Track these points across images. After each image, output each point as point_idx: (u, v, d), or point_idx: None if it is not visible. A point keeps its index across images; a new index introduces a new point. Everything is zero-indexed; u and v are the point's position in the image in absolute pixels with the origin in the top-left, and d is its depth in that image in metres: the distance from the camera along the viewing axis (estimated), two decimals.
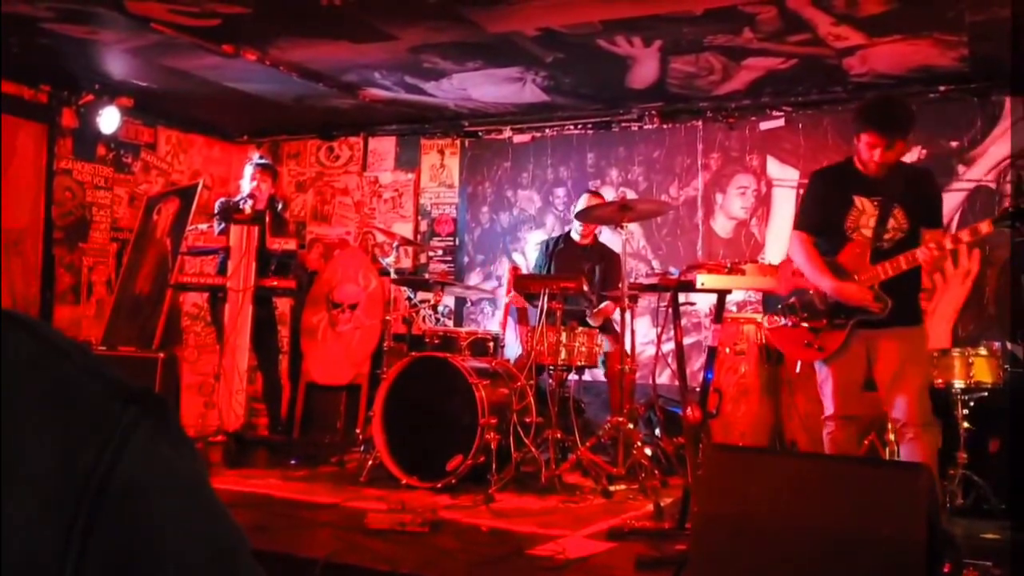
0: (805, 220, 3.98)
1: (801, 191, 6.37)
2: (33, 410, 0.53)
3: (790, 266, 4.00)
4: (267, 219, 5.84)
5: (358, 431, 5.84)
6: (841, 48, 5.40)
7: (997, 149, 5.80)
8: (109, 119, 6.78)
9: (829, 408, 3.85)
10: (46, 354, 0.56)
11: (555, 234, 6.66)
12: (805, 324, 3.86)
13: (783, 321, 3.97)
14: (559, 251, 6.04)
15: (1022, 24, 4.68)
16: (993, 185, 5.80)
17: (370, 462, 4.98)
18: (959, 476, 4.55)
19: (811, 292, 3.86)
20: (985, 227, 3.58)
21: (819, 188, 3.99)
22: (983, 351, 4.69)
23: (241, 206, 5.83)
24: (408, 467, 4.82)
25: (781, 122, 6.51)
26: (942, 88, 5.86)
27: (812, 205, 3.98)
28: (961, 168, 5.88)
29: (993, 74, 5.60)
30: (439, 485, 4.68)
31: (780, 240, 6.41)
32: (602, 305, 5.58)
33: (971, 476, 4.55)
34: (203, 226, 6.38)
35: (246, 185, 6.02)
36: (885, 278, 3.67)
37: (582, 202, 5.92)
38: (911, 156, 5.55)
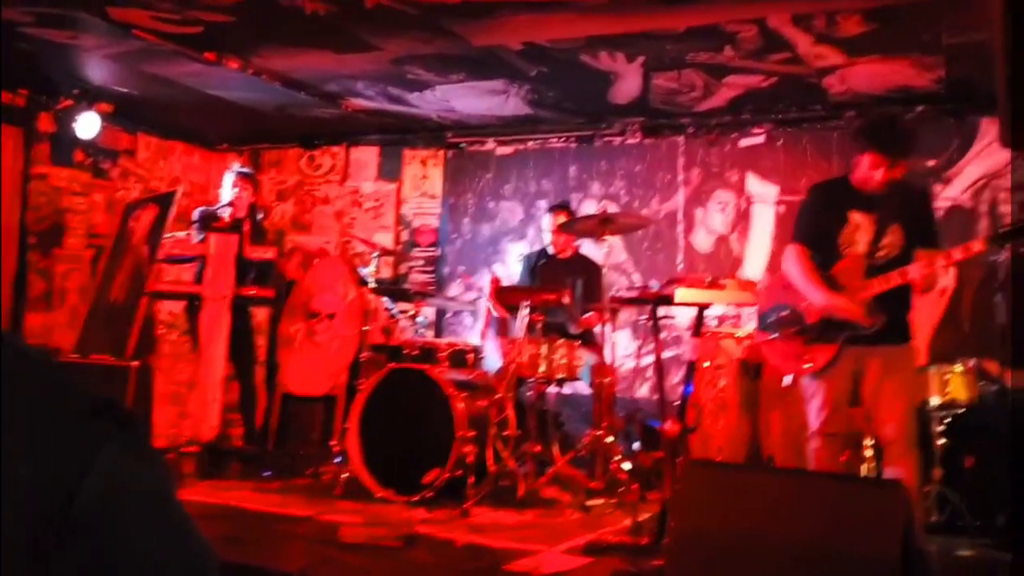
0: (802, 233, 3.98)
1: (781, 208, 6.42)
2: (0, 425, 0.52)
3: (782, 280, 4.00)
4: (246, 228, 5.80)
5: (334, 443, 5.78)
6: (821, 67, 5.45)
7: (973, 169, 5.87)
8: (87, 124, 6.72)
9: (815, 424, 3.83)
10: (13, 367, 0.55)
11: (536, 248, 6.66)
12: (796, 338, 3.85)
13: (774, 335, 3.96)
14: (542, 265, 6.03)
15: (997, 47, 4.73)
16: (969, 204, 5.86)
17: (345, 475, 4.93)
18: (934, 493, 4.57)
19: (803, 305, 3.86)
20: (978, 245, 3.59)
21: (816, 202, 4.00)
22: (959, 368, 4.73)
23: (220, 214, 5.79)
24: (384, 480, 4.79)
25: (761, 139, 6.56)
26: (919, 108, 5.92)
27: (809, 218, 3.98)
28: (938, 187, 5.94)
29: (969, 95, 5.67)
30: (415, 499, 4.64)
31: (760, 255, 6.46)
32: (584, 317, 5.58)
33: (946, 493, 4.57)
34: (181, 234, 6.33)
35: (226, 193, 5.98)
36: (877, 293, 3.67)
37: (547, 222, 5.94)
38: None
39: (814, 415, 3.83)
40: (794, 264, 3.90)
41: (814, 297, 3.78)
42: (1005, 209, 5.77)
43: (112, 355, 5.93)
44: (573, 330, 5.54)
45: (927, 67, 5.35)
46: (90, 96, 6.69)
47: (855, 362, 3.77)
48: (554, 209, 6.07)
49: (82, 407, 0.56)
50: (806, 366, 3.79)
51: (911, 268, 3.61)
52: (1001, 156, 5.70)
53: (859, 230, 3.79)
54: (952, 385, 4.67)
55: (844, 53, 5.19)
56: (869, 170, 3.71)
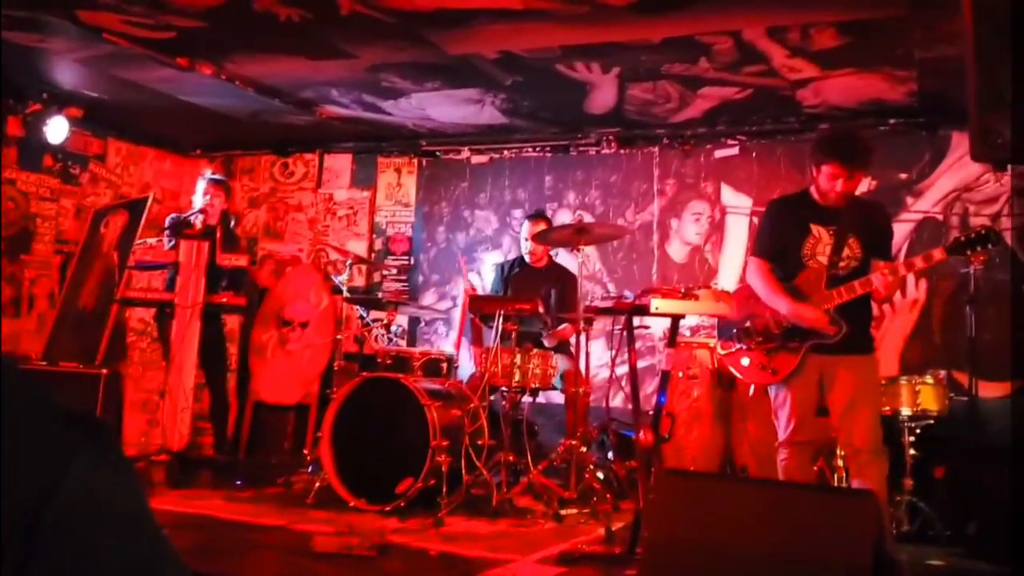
0: (762, 246, 4.06)
1: (755, 219, 6.46)
2: None
3: (746, 291, 4.05)
4: (218, 235, 5.75)
5: (306, 452, 5.74)
6: (795, 80, 5.50)
7: (945, 182, 5.94)
8: (56, 129, 6.64)
9: (783, 434, 3.88)
10: None
11: (511, 257, 6.67)
12: (759, 347, 3.90)
13: (738, 345, 4.01)
14: (515, 275, 6.03)
15: (968, 62, 4.80)
16: (941, 217, 5.93)
17: (318, 484, 4.89)
18: (905, 502, 4.61)
19: (767, 315, 3.91)
20: (938, 254, 3.67)
21: (776, 216, 4.07)
22: (929, 379, 4.77)
23: (192, 221, 5.74)
24: (356, 489, 4.75)
25: (735, 150, 6.61)
26: (892, 121, 5.99)
27: (769, 232, 4.05)
28: (910, 199, 6.01)
29: (941, 109, 5.74)
30: (388, 508, 4.61)
31: (734, 266, 6.50)
32: (560, 327, 5.58)
33: (917, 503, 4.62)
34: (152, 240, 6.27)
35: (198, 200, 5.93)
36: (840, 302, 3.74)
37: (525, 229, 5.95)
38: (862, 186, 5.66)
39: (782, 425, 3.89)
40: (755, 277, 3.97)
41: (779, 306, 3.84)
42: (976, 221, 5.84)
43: (81, 362, 5.86)
44: (548, 343, 5.53)
45: (900, 81, 5.41)
46: (59, 100, 6.61)
47: (819, 371, 3.82)
48: (532, 217, 6.08)
49: (52, 419, 0.55)
50: (772, 372, 3.84)
51: (873, 277, 3.69)
52: (972, 169, 5.78)
53: (820, 242, 3.86)
54: (923, 396, 4.72)
55: (818, 66, 5.24)
56: (829, 181, 3.77)
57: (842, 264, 3.83)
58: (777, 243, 3.98)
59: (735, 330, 4.02)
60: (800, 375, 3.82)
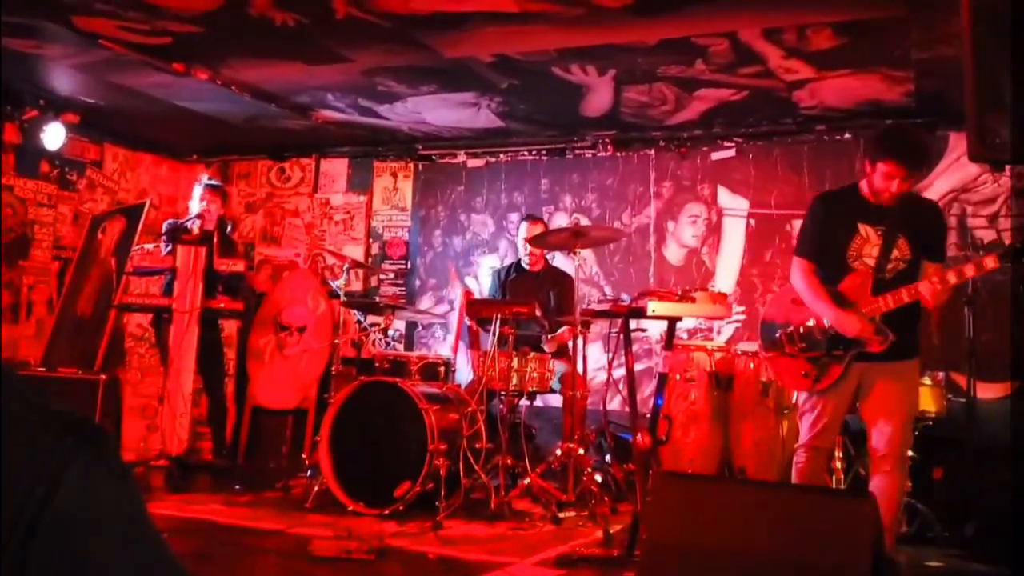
0: (807, 246, 3.82)
1: (752, 221, 6.46)
2: None
3: (790, 293, 3.86)
4: (215, 240, 5.74)
5: (304, 456, 5.73)
6: (791, 81, 5.50)
7: (942, 183, 5.94)
8: (53, 135, 6.64)
9: (805, 436, 3.73)
10: None
11: (507, 262, 6.66)
12: (803, 354, 3.72)
13: (779, 350, 3.80)
14: (512, 280, 6.03)
15: (965, 63, 4.80)
16: None
17: (316, 488, 4.89)
18: (904, 504, 4.60)
19: (811, 322, 3.72)
20: (991, 262, 3.41)
21: (822, 213, 3.83)
22: (928, 381, 4.76)
23: (189, 227, 5.73)
24: (355, 493, 4.75)
25: (732, 152, 6.61)
26: (889, 122, 5.98)
27: (814, 230, 3.82)
28: None
29: (938, 110, 5.74)
30: (386, 512, 4.61)
31: (730, 268, 6.50)
32: (559, 331, 5.57)
33: (915, 504, 4.61)
34: (149, 246, 6.26)
35: (195, 205, 5.92)
36: (887, 310, 3.55)
37: (523, 231, 5.95)
38: None
39: (807, 428, 3.73)
40: (799, 279, 3.76)
41: (824, 314, 3.65)
42: (974, 222, 5.86)
43: (80, 368, 5.85)
44: (549, 348, 5.53)
45: (897, 81, 5.41)
46: (56, 106, 6.61)
47: (859, 377, 3.67)
48: (530, 218, 6.08)
49: (49, 424, 0.54)
50: (816, 380, 3.67)
51: (921, 286, 3.49)
52: (970, 170, 5.79)
53: (867, 242, 3.67)
54: (921, 397, 4.70)
55: (814, 67, 5.24)
56: (884, 180, 3.57)
57: (890, 267, 3.63)
58: (821, 242, 3.76)
59: (778, 334, 3.82)
60: (841, 384, 3.66)
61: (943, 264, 3.69)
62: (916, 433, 4.70)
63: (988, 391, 5.43)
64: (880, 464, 3.64)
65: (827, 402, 3.70)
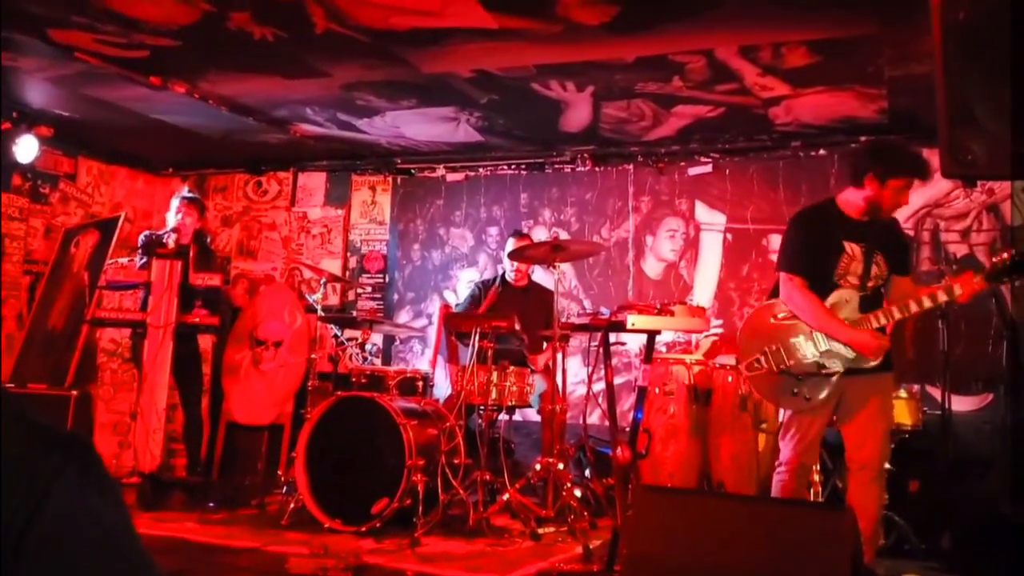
0: (798, 264, 3.74)
1: (729, 235, 6.50)
2: None
3: (771, 310, 3.81)
4: (192, 254, 5.70)
5: (280, 473, 5.68)
6: (767, 98, 5.55)
7: (915, 198, 5.97)
8: (26, 148, 6.57)
9: (788, 453, 3.72)
10: None
11: (486, 275, 6.65)
12: (793, 373, 3.68)
13: (767, 368, 3.73)
14: (499, 294, 6.00)
15: (937, 80, 4.87)
16: (912, 233, 5.99)
17: (292, 505, 4.84)
18: (881, 516, 4.62)
19: (799, 338, 3.69)
20: (978, 282, 3.46)
21: (807, 231, 3.80)
22: (903, 394, 4.80)
23: (165, 240, 5.68)
24: (332, 510, 4.71)
25: (709, 168, 6.66)
26: (863, 138, 6.05)
27: (803, 248, 3.77)
28: None
29: (911, 127, 5.80)
30: (363, 529, 4.57)
31: (708, 282, 6.53)
32: (545, 349, 5.56)
33: (892, 516, 4.63)
34: (123, 260, 6.20)
35: (171, 219, 5.88)
36: (878, 326, 3.58)
37: (510, 246, 5.94)
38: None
39: (790, 445, 3.72)
40: (801, 298, 3.69)
41: (834, 332, 3.62)
42: (947, 237, 5.93)
43: (50, 384, 5.78)
44: (537, 368, 5.51)
45: (871, 99, 5.48)
46: (29, 119, 6.55)
47: (841, 391, 3.68)
48: (517, 234, 6.06)
49: (36, 439, 0.54)
50: (805, 398, 3.66)
51: (912, 303, 3.52)
52: (942, 186, 5.85)
53: (854, 260, 3.69)
54: (897, 411, 4.73)
55: (790, 84, 5.30)
56: (898, 195, 3.65)
57: (870, 284, 3.67)
58: (812, 259, 3.72)
59: (764, 352, 3.74)
60: (826, 400, 3.66)
61: (911, 277, 3.78)
62: (892, 446, 4.75)
63: (963, 404, 5.49)
64: (859, 476, 3.68)
65: (814, 418, 3.71)
